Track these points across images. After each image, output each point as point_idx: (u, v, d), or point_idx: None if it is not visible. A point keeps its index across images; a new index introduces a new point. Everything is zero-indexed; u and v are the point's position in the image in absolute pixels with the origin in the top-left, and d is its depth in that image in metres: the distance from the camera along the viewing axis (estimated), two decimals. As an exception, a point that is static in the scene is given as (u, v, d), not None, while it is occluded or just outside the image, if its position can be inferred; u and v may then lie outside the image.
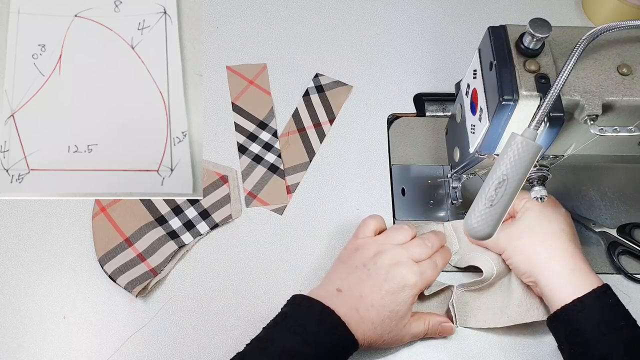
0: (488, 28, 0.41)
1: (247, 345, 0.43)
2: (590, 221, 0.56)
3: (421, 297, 0.51)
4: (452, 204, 0.56)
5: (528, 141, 0.37)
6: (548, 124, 0.38)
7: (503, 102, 0.38)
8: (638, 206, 0.57)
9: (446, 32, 0.67)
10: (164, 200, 0.55)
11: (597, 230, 0.55)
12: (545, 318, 0.48)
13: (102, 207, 0.55)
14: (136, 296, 0.50)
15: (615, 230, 0.55)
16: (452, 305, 0.51)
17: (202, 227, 0.54)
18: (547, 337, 0.50)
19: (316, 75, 0.63)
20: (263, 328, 0.44)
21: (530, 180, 0.48)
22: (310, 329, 0.42)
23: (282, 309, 0.45)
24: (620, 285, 0.53)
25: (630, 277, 0.53)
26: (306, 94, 0.62)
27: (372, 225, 0.49)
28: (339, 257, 0.49)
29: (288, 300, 0.46)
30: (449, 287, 0.51)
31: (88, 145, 0.57)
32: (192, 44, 0.64)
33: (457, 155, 0.49)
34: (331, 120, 0.61)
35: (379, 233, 0.50)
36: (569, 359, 0.44)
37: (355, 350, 0.44)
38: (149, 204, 0.55)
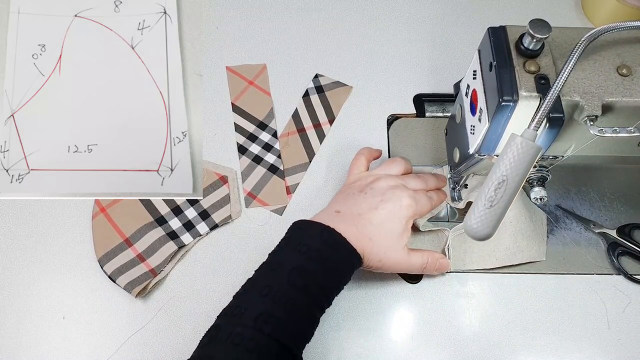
0: (488, 29, 0.41)
1: (255, 271, 0.45)
2: (590, 222, 0.56)
3: (417, 235, 0.53)
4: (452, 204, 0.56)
5: (528, 142, 0.37)
6: (548, 124, 0.38)
7: (503, 103, 0.38)
8: (638, 207, 0.57)
9: (446, 33, 0.67)
10: (164, 200, 0.55)
11: (596, 231, 0.55)
12: (530, 261, 0.52)
13: (101, 208, 0.55)
14: (136, 296, 0.50)
15: (615, 231, 0.55)
16: (448, 249, 0.52)
17: (201, 227, 0.54)
18: (546, 339, 0.51)
19: (316, 76, 0.63)
20: (269, 254, 0.46)
21: (530, 181, 0.48)
22: (315, 246, 0.44)
23: (285, 234, 0.47)
24: (620, 286, 0.53)
25: (630, 277, 0.53)
26: (306, 95, 0.62)
27: (363, 159, 0.52)
28: (339, 191, 0.52)
29: (290, 227, 0.47)
30: (443, 231, 0.53)
31: (88, 145, 0.57)
32: (192, 44, 0.64)
33: (456, 155, 0.49)
34: (331, 120, 0.61)
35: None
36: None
37: (360, 265, 0.46)
38: (148, 205, 0.55)
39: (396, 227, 0.47)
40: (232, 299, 0.44)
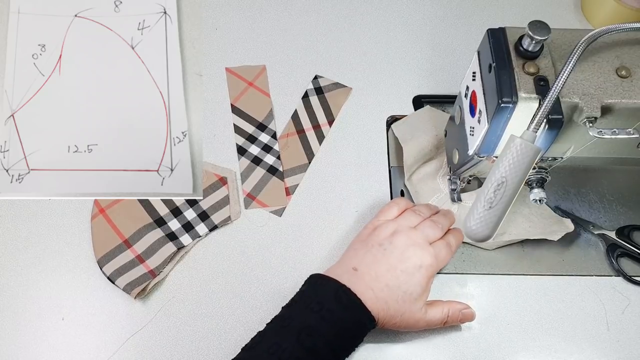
0: (487, 30, 0.41)
1: (267, 324, 0.44)
2: (589, 223, 0.56)
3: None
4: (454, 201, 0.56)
5: (527, 143, 0.37)
6: (547, 126, 0.38)
7: (502, 104, 0.38)
8: (637, 208, 0.57)
9: (445, 34, 0.67)
10: (163, 201, 0.55)
11: (596, 232, 0.55)
12: (544, 237, 0.52)
13: (101, 209, 0.55)
14: (135, 298, 0.50)
15: (614, 232, 0.55)
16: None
17: (201, 228, 0.54)
18: (545, 340, 0.51)
19: (315, 77, 0.63)
20: (282, 307, 0.45)
21: (529, 183, 0.48)
22: (328, 306, 0.43)
23: (300, 288, 0.46)
24: (619, 288, 0.53)
25: (630, 279, 0.53)
26: (305, 96, 0.62)
27: (395, 211, 0.50)
28: (358, 236, 0.50)
29: (306, 280, 0.47)
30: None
31: (88, 145, 0.58)
32: (192, 44, 0.64)
33: (456, 157, 0.49)
34: (330, 122, 0.61)
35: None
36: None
37: (373, 328, 0.45)
38: (147, 205, 0.55)
39: (414, 290, 0.45)
40: (240, 351, 0.43)
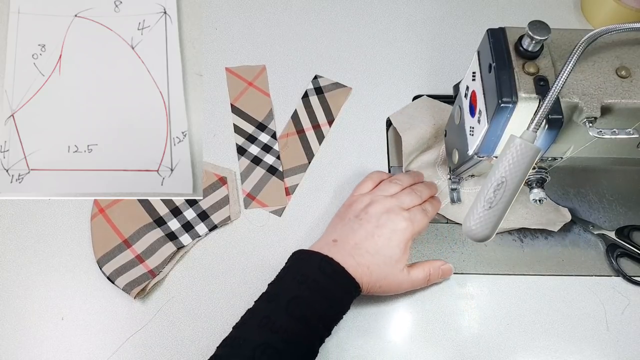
0: (487, 30, 0.41)
1: (255, 301, 0.45)
2: (589, 223, 0.56)
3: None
4: (453, 202, 0.56)
5: (527, 143, 0.37)
6: (547, 126, 0.38)
7: (502, 104, 0.38)
8: (637, 208, 0.57)
9: (445, 34, 0.67)
10: (163, 201, 0.55)
11: (595, 232, 0.55)
12: (542, 227, 0.54)
13: (100, 208, 0.55)
14: (135, 297, 0.50)
15: (614, 232, 0.55)
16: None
17: (200, 228, 0.54)
18: (545, 341, 0.51)
19: (315, 77, 0.63)
20: (268, 284, 0.46)
21: (529, 183, 0.48)
22: (313, 277, 0.44)
23: (285, 264, 0.47)
24: (619, 288, 0.53)
25: (629, 279, 0.53)
26: (305, 96, 0.62)
27: (369, 184, 0.52)
28: (336, 214, 0.52)
29: (289, 257, 0.48)
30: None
31: (88, 145, 0.58)
32: (192, 44, 0.64)
33: (456, 157, 0.49)
34: (330, 121, 0.61)
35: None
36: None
37: (358, 294, 0.46)
38: (147, 205, 0.55)
39: (393, 253, 0.47)
40: (231, 329, 0.44)
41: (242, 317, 0.44)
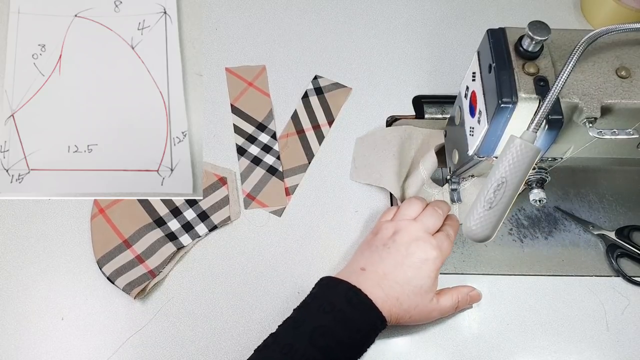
0: (487, 30, 0.41)
1: (279, 326, 0.44)
2: (589, 224, 0.56)
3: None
4: (453, 202, 0.56)
5: (527, 144, 0.37)
6: (547, 126, 0.38)
7: (502, 105, 0.38)
8: (637, 209, 0.57)
9: (445, 34, 0.67)
10: (163, 201, 0.55)
11: (595, 232, 0.55)
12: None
13: (100, 209, 0.55)
14: (134, 298, 0.50)
15: (613, 232, 0.55)
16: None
17: (200, 229, 0.54)
18: (545, 341, 0.51)
19: (315, 77, 0.63)
20: (294, 309, 0.45)
21: (529, 183, 0.48)
22: (340, 307, 0.44)
23: (311, 290, 0.47)
24: (619, 288, 0.53)
25: (629, 279, 0.53)
26: (305, 96, 0.62)
27: (392, 212, 0.51)
28: (363, 241, 0.51)
29: (316, 283, 0.47)
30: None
31: (88, 145, 0.57)
32: (192, 44, 0.64)
33: (456, 157, 0.49)
34: (330, 122, 0.61)
35: None
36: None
37: (384, 328, 0.45)
38: (147, 206, 0.55)
39: (424, 283, 0.46)
40: (253, 352, 0.43)
41: (264, 341, 0.44)
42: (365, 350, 0.45)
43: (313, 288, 0.47)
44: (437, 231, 0.49)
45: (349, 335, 0.43)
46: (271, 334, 0.44)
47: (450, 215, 0.52)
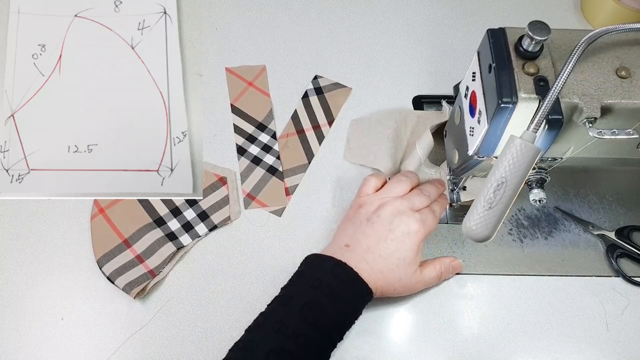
0: (487, 30, 0.41)
1: (268, 305, 0.45)
2: (589, 224, 0.56)
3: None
4: (451, 206, 0.56)
5: (527, 144, 0.37)
6: (547, 126, 0.38)
7: (502, 105, 0.38)
8: (637, 209, 0.57)
9: (445, 35, 0.67)
10: (163, 201, 0.55)
11: (595, 233, 0.55)
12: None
13: (100, 209, 0.55)
14: (134, 298, 0.50)
15: (613, 233, 0.55)
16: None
17: (200, 228, 0.54)
18: (544, 341, 0.51)
19: (315, 77, 0.63)
20: (281, 288, 0.46)
21: (529, 183, 0.48)
22: (327, 282, 0.44)
23: (298, 268, 0.47)
24: (619, 288, 0.53)
25: (629, 279, 0.53)
26: (305, 96, 0.62)
27: (373, 183, 0.52)
28: (345, 216, 0.52)
29: (302, 261, 0.48)
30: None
31: (88, 145, 0.58)
32: (192, 44, 0.64)
33: (455, 157, 0.49)
34: (330, 122, 0.61)
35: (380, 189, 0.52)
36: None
37: (370, 299, 0.46)
38: (147, 205, 0.55)
39: (407, 255, 0.47)
40: (244, 332, 0.44)
41: (254, 320, 0.44)
42: (354, 322, 0.46)
43: (299, 266, 0.48)
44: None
45: (338, 308, 0.44)
46: (261, 313, 0.44)
47: (442, 195, 0.53)
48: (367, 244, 0.47)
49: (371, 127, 0.58)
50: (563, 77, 0.36)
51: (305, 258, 0.48)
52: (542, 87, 0.38)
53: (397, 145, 0.56)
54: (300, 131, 0.60)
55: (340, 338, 0.45)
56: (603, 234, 0.55)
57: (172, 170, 0.57)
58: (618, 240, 0.54)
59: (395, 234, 0.47)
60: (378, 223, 0.48)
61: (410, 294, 0.51)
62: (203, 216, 0.55)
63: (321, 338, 0.43)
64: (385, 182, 0.53)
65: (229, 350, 0.43)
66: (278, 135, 0.60)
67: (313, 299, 0.43)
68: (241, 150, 0.59)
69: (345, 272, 0.45)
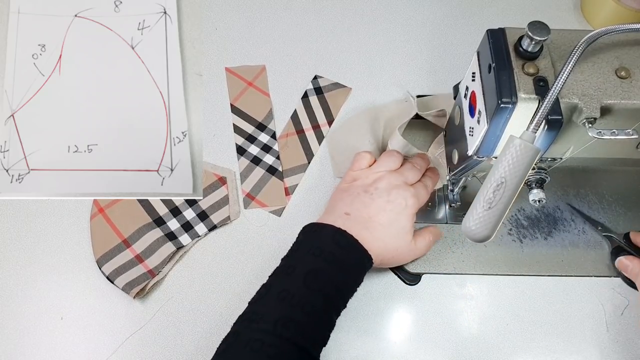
0: (487, 31, 0.41)
1: (269, 276, 0.45)
2: (598, 224, 0.55)
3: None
4: (451, 206, 0.56)
5: (526, 144, 0.37)
6: (546, 126, 0.38)
7: (501, 105, 0.38)
8: (636, 209, 0.57)
9: (445, 35, 0.67)
10: (162, 201, 0.55)
11: (603, 233, 0.55)
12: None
13: (100, 208, 0.55)
14: (134, 297, 0.50)
15: (622, 236, 0.54)
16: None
17: (200, 228, 0.54)
18: (544, 341, 0.51)
19: (315, 77, 0.63)
20: (282, 259, 0.46)
21: (529, 183, 0.48)
22: (329, 249, 0.45)
23: (296, 239, 0.48)
24: (618, 289, 0.53)
25: (629, 281, 0.53)
26: (305, 96, 0.62)
27: (367, 159, 0.53)
28: (338, 188, 0.52)
29: (300, 231, 0.48)
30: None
31: (88, 145, 0.58)
32: (192, 44, 0.64)
33: (455, 157, 0.49)
34: (330, 122, 0.61)
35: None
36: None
37: (370, 267, 0.47)
38: (147, 205, 0.55)
39: (404, 225, 0.49)
40: (247, 305, 0.44)
41: (257, 292, 0.44)
42: (356, 290, 0.46)
43: (298, 236, 0.48)
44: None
45: (341, 275, 0.44)
46: (263, 285, 0.45)
47: (431, 168, 0.54)
48: (368, 213, 0.48)
49: (350, 135, 0.59)
50: (563, 77, 0.36)
51: (303, 227, 0.48)
52: (541, 87, 0.38)
53: (379, 147, 0.58)
54: (300, 131, 0.60)
55: (344, 305, 0.45)
56: (610, 236, 0.55)
57: (172, 170, 0.57)
58: (625, 244, 0.54)
59: (394, 205, 0.48)
60: (376, 194, 0.49)
61: (410, 294, 0.51)
62: (203, 216, 0.55)
63: (327, 305, 0.43)
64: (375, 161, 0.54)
65: (234, 323, 0.43)
66: (278, 135, 0.60)
67: (316, 267, 0.44)
68: (241, 150, 0.59)
69: (347, 239, 0.45)
